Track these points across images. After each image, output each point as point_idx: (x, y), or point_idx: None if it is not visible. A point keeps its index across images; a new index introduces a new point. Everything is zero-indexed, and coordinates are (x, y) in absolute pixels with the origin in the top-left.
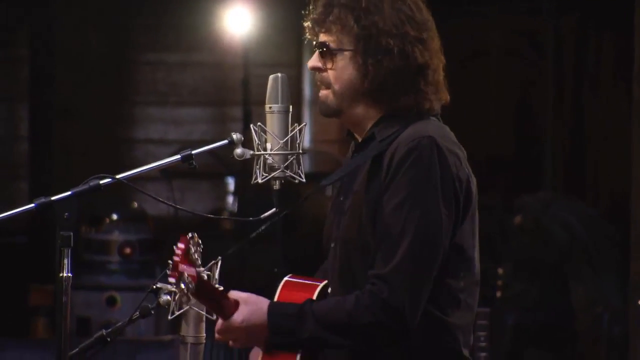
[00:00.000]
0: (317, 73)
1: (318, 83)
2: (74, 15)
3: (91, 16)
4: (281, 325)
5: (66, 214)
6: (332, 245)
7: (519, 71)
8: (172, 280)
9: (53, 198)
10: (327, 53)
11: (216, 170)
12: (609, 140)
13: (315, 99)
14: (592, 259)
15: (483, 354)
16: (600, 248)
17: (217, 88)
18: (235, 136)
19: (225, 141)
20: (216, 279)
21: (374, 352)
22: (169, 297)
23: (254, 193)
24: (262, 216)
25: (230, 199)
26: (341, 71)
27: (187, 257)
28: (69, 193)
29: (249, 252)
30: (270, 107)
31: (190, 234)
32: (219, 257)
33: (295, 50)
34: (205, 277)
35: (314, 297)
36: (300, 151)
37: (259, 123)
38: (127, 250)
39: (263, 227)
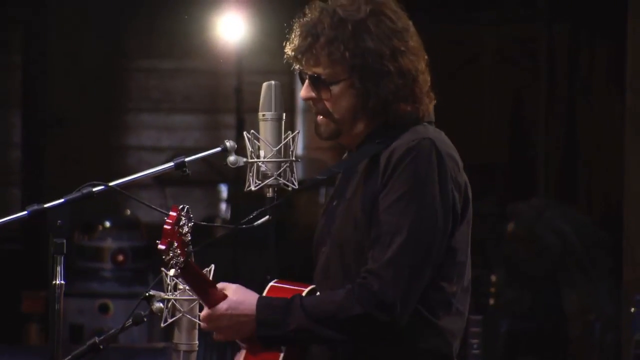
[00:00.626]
0: (311, 102)
1: (314, 111)
2: (68, 22)
3: (84, 23)
4: (268, 316)
5: (59, 221)
6: (323, 249)
7: (513, 78)
8: (161, 247)
9: (46, 205)
10: (321, 84)
11: (209, 178)
12: (602, 147)
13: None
14: (585, 266)
15: None
16: (593, 255)
17: (211, 95)
18: (229, 143)
19: (219, 148)
20: None
21: (359, 351)
22: (161, 305)
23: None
24: (255, 223)
25: (223, 207)
26: (338, 99)
27: (176, 226)
28: (61, 200)
29: (242, 259)
30: (263, 115)
31: (182, 206)
32: (212, 265)
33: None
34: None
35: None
36: (294, 159)
37: (252, 130)
38: (120, 258)
39: (252, 221)
